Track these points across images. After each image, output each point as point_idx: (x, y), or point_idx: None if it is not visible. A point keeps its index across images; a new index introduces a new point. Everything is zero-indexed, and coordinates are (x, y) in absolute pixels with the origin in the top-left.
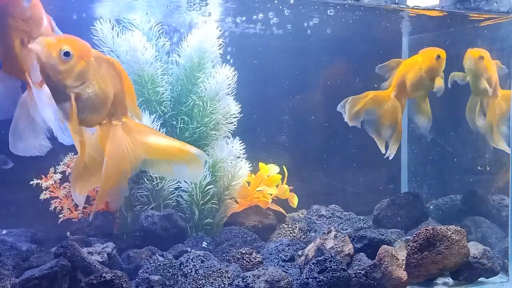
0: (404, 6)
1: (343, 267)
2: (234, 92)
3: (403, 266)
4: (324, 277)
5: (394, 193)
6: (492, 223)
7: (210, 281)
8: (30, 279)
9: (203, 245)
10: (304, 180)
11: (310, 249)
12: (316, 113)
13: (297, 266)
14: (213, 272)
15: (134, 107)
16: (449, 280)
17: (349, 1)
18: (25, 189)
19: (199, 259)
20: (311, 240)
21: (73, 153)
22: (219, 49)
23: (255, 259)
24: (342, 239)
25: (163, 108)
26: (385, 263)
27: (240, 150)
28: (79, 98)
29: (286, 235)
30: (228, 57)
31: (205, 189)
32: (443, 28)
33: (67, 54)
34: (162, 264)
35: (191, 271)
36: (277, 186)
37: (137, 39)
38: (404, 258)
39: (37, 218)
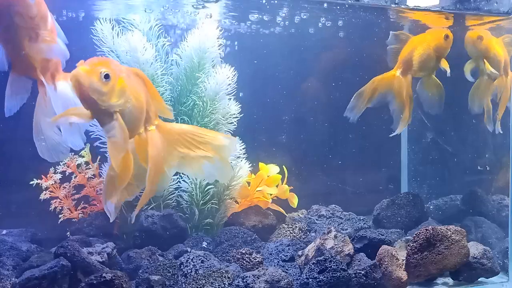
0: (404, 6)
1: (343, 267)
2: (234, 92)
3: (403, 266)
4: (324, 277)
5: (394, 193)
6: (492, 223)
7: (210, 281)
8: (30, 279)
9: (203, 245)
10: (304, 180)
11: (310, 249)
12: (316, 113)
13: (297, 266)
14: (213, 272)
15: (162, 107)
16: (449, 280)
17: (349, 1)
18: (25, 189)
19: (199, 259)
20: (311, 240)
21: (73, 153)
22: (219, 49)
23: (255, 259)
24: (342, 239)
25: None
26: (385, 263)
27: (240, 150)
28: (122, 114)
29: (286, 235)
30: (228, 56)
31: (205, 189)
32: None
33: (107, 76)
34: (162, 264)
35: (191, 271)
36: (277, 186)
37: (137, 39)
38: (404, 258)
39: (37, 218)
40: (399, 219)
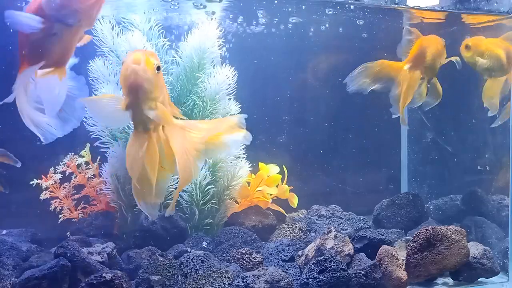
0: (404, 6)
1: (343, 267)
2: (234, 92)
3: (403, 266)
4: (324, 277)
5: (394, 193)
6: (492, 223)
7: (210, 281)
8: (30, 279)
9: (203, 245)
10: (304, 180)
11: (310, 249)
12: (316, 113)
13: (297, 266)
14: (213, 272)
15: (171, 105)
16: (449, 280)
17: (349, 1)
18: (25, 189)
19: (199, 259)
20: (311, 240)
21: (73, 153)
22: (219, 49)
23: (255, 259)
24: (342, 239)
25: None
26: (385, 263)
27: (240, 150)
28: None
29: (286, 235)
30: (228, 56)
31: (205, 189)
32: (443, 28)
33: (158, 68)
34: (162, 264)
35: (191, 271)
36: (277, 186)
37: (137, 39)
38: (404, 258)
39: (37, 218)
40: (399, 219)
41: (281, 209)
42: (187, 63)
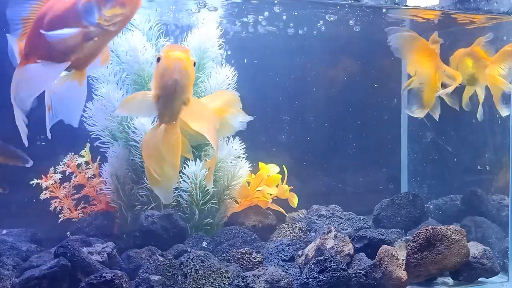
0: (404, 6)
1: (343, 267)
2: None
3: (403, 266)
4: (324, 277)
5: (394, 193)
6: (492, 223)
7: (210, 281)
8: (30, 279)
9: (203, 245)
10: (304, 180)
11: (310, 249)
12: (316, 113)
13: (297, 266)
14: (213, 272)
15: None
16: (449, 280)
17: (349, 1)
18: (25, 189)
19: (199, 259)
20: (311, 240)
21: (73, 153)
22: (220, 48)
23: (255, 259)
24: (342, 239)
25: None
26: (385, 263)
27: (240, 150)
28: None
29: (286, 235)
30: (228, 56)
31: (205, 189)
32: (443, 28)
33: (194, 64)
34: (162, 264)
35: (191, 271)
36: (277, 186)
37: (137, 39)
38: (404, 258)
39: (37, 218)
40: (399, 219)
41: (281, 209)
42: None
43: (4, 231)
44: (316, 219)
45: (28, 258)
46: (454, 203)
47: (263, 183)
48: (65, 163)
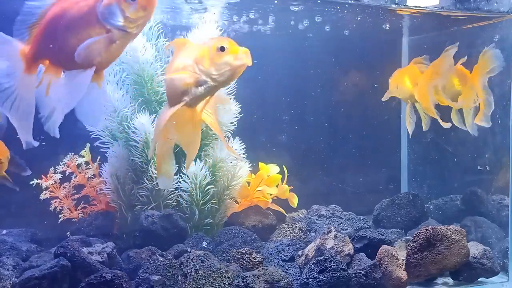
0: (404, 6)
1: (343, 267)
2: (234, 92)
3: (403, 266)
4: (324, 277)
5: (394, 193)
6: (492, 223)
7: (210, 281)
8: (30, 279)
9: (203, 245)
10: (304, 180)
11: (310, 249)
12: (316, 113)
13: (297, 266)
14: (213, 272)
15: None
16: (449, 280)
17: (349, 1)
18: (25, 189)
19: (199, 259)
20: (311, 240)
21: (73, 153)
22: None
23: (255, 259)
24: (342, 239)
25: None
26: (385, 263)
27: (240, 150)
28: None
29: (286, 235)
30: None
31: (205, 189)
32: (443, 28)
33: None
34: (162, 264)
35: (191, 271)
36: (277, 186)
37: (137, 39)
38: (404, 258)
39: (37, 218)
40: (399, 219)
41: (281, 209)
42: None
43: (4, 231)
44: (316, 219)
45: (28, 258)
46: (454, 203)
47: (263, 183)
48: (65, 163)
